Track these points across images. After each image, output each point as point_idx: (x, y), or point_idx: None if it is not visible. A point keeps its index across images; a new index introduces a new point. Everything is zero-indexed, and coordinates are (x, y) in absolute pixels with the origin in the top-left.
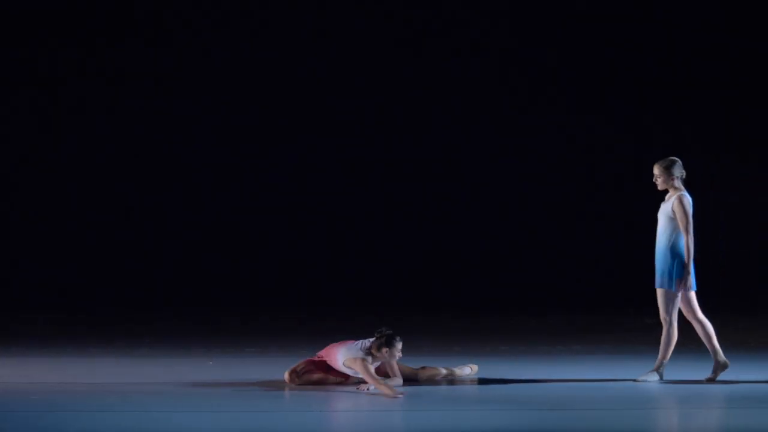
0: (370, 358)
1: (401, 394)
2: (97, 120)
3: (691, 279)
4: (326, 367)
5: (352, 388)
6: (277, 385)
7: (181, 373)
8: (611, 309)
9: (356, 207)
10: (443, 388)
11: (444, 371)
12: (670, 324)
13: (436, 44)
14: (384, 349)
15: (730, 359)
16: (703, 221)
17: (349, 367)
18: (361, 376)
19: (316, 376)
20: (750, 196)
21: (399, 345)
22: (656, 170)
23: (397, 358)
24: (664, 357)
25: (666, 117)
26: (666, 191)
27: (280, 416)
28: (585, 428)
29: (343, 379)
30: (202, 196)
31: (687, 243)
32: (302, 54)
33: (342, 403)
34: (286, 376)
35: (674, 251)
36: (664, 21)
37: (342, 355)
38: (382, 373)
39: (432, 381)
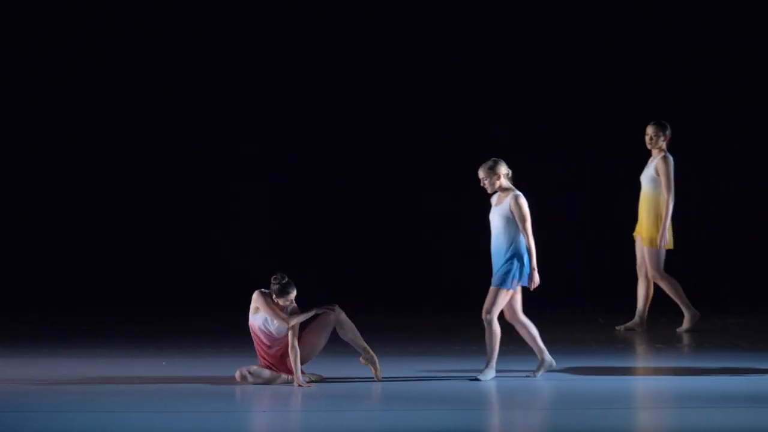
0: (268, 294)
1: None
2: (97, 120)
3: (536, 276)
4: (276, 367)
5: (310, 387)
6: (228, 384)
7: (136, 372)
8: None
9: (356, 207)
10: (401, 386)
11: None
12: (491, 322)
13: (436, 44)
14: (274, 296)
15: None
16: (704, 221)
17: (255, 309)
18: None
19: (267, 374)
20: (751, 195)
21: (292, 295)
22: (481, 173)
23: (289, 306)
24: (492, 353)
25: (666, 117)
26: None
27: (228, 416)
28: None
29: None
30: (202, 196)
31: (528, 244)
32: (302, 54)
33: (290, 403)
34: (237, 375)
35: (516, 252)
36: (664, 21)
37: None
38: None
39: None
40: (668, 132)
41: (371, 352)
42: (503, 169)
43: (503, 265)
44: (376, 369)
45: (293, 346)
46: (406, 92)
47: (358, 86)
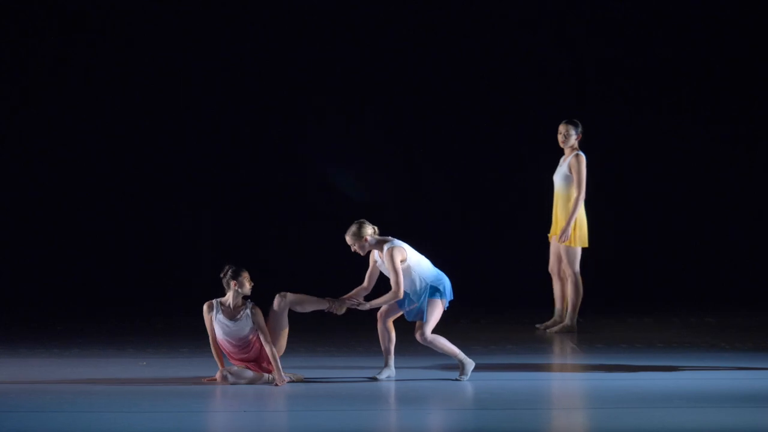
0: (216, 303)
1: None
2: (97, 120)
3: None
4: (257, 367)
5: (286, 386)
6: (208, 385)
7: (113, 373)
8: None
9: (355, 207)
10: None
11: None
12: (430, 341)
13: (437, 44)
14: (233, 284)
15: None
16: (703, 221)
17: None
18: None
19: (249, 375)
20: (751, 195)
21: (246, 274)
22: (348, 240)
23: (249, 288)
24: (458, 355)
25: (666, 117)
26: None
27: (209, 416)
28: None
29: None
30: (202, 196)
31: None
32: (302, 54)
33: (272, 403)
34: (218, 375)
35: (427, 284)
36: (664, 21)
37: None
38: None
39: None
40: (580, 130)
41: (336, 300)
42: (368, 230)
43: (422, 299)
44: (353, 305)
45: (267, 342)
46: (407, 92)
47: (358, 86)
